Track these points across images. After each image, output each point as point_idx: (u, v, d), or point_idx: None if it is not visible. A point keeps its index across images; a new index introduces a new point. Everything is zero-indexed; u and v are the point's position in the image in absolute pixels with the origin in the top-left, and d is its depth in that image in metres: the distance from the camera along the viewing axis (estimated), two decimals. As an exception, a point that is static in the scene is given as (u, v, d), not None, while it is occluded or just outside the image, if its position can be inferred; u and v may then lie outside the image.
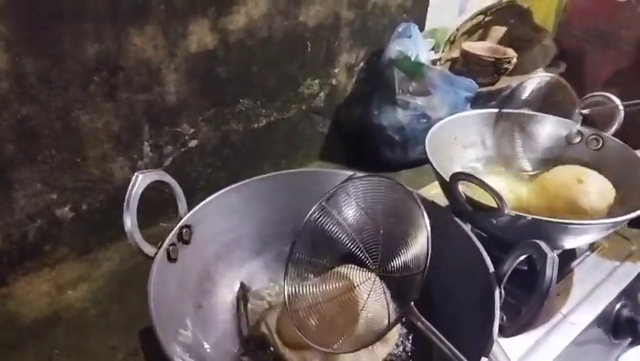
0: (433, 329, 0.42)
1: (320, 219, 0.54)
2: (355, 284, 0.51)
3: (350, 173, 0.60)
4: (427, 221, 0.46)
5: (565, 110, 0.79)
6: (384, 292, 0.51)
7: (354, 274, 0.53)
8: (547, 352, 0.61)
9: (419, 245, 0.48)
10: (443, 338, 0.42)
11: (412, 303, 0.44)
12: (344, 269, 0.54)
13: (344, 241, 0.55)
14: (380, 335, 0.46)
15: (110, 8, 0.68)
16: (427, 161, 0.67)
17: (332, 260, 0.55)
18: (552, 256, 0.42)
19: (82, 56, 0.68)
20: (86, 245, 0.83)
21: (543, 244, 0.43)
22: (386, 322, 0.48)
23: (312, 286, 0.51)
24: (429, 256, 0.44)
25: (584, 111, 0.75)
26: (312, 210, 0.52)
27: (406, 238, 0.50)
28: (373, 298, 0.51)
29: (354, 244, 0.55)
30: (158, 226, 0.86)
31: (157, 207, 0.77)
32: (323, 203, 0.53)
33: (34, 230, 0.76)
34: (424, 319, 0.44)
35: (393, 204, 0.54)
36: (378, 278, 0.52)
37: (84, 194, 0.78)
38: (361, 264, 0.54)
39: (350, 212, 0.56)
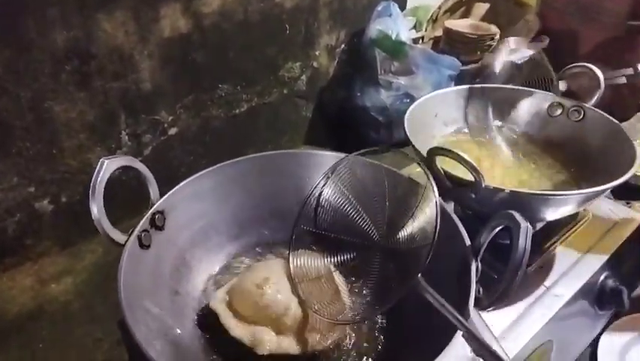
0: (443, 301, 0.42)
1: (324, 190, 0.54)
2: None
3: (332, 153, 0.60)
4: (437, 193, 0.45)
5: (546, 83, 0.79)
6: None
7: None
8: (530, 325, 0.61)
9: (426, 217, 0.48)
10: (453, 311, 0.41)
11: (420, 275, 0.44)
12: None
13: (349, 213, 0.55)
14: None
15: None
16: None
17: (336, 232, 0.55)
18: (525, 226, 0.41)
19: (50, 44, 0.67)
20: (68, 238, 0.82)
21: (517, 214, 0.42)
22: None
23: (316, 260, 0.51)
24: (437, 227, 0.44)
25: (563, 83, 0.74)
26: (318, 180, 0.52)
27: (412, 211, 0.50)
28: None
29: (359, 216, 0.55)
30: (140, 216, 0.85)
31: (140, 198, 0.76)
32: (328, 174, 0.54)
33: (14, 224, 0.75)
34: (432, 290, 0.43)
35: (398, 178, 0.54)
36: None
37: (63, 186, 0.77)
38: (366, 237, 0.54)
39: (354, 185, 0.56)
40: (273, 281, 0.48)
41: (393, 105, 1.00)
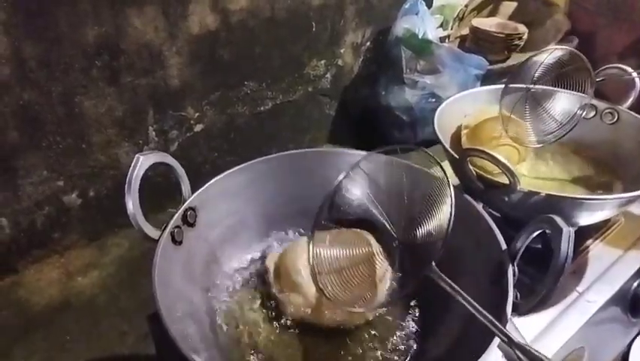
0: (455, 286, 0.41)
1: (346, 186, 0.54)
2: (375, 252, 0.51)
3: (362, 153, 0.59)
4: (452, 188, 0.45)
5: (579, 84, 0.77)
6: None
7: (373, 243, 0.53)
8: (563, 331, 0.59)
9: (442, 214, 0.48)
10: (465, 295, 0.40)
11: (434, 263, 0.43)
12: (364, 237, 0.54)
13: (368, 208, 0.55)
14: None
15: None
16: (436, 141, 0.65)
17: (356, 226, 0.55)
18: (567, 230, 0.40)
19: (81, 39, 0.67)
20: (95, 232, 0.82)
21: (558, 219, 0.41)
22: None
23: (336, 250, 0.51)
24: (451, 219, 0.43)
25: (598, 79, 0.72)
26: (340, 177, 0.52)
27: (429, 207, 0.50)
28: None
29: (377, 211, 0.55)
30: (166, 212, 0.85)
31: (164, 193, 0.76)
32: (349, 171, 0.54)
33: (42, 217, 0.76)
34: (444, 276, 0.42)
35: (416, 176, 0.54)
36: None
37: (91, 180, 0.78)
38: (384, 232, 0.53)
39: (375, 181, 0.56)
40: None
41: (419, 104, 0.99)
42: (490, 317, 0.40)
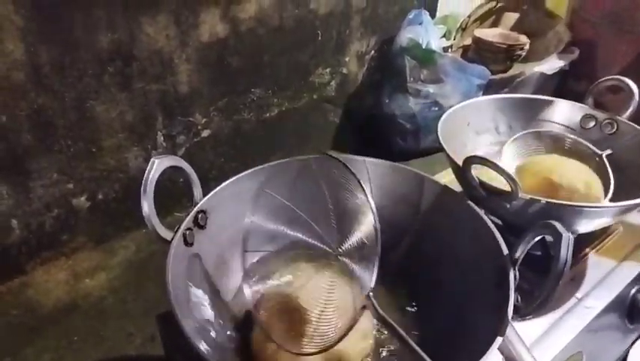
0: (392, 323, 0.43)
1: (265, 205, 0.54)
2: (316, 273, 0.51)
3: (372, 160, 0.61)
4: (369, 193, 0.46)
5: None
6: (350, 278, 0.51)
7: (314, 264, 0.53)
8: (561, 336, 0.60)
9: (368, 222, 0.49)
10: (404, 334, 0.42)
11: (371, 294, 0.44)
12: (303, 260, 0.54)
13: (300, 223, 0.55)
14: (344, 332, 0.44)
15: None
16: (439, 149, 0.67)
17: (291, 247, 0.55)
18: (567, 236, 0.41)
19: (95, 45, 0.69)
20: (103, 234, 0.84)
21: (558, 225, 0.43)
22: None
23: (275, 282, 0.51)
24: (378, 233, 0.44)
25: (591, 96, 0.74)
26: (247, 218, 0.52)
27: (357, 215, 0.51)
28: (338, 288, 0.50)
29: (309, 227, 0.55)
30: (172, 215, 0.86)
31: (171, 197, 0.78)
32: (265, 189, 0.54)
33: (52, 219, 0.77)
34: (381, 311, 0.44)
35: (336, 182, 0.54)
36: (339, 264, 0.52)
37: (100, 183, 0.79)
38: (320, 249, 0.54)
39: (301, 192, 0.56)
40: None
41: (422, 113, 1.01)
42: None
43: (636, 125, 0.72)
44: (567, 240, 0.42)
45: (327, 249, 0.54)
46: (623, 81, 0.74)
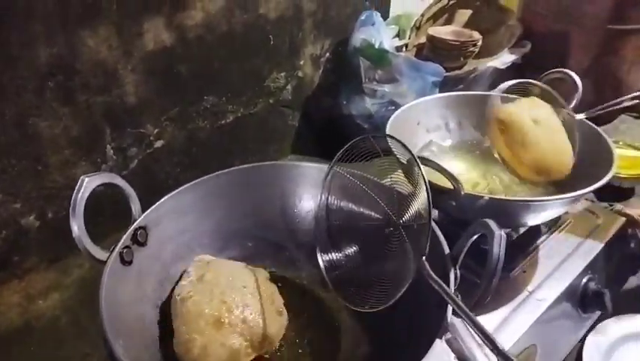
0: (442, 284, 0.43)
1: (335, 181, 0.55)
2: None
3: (315, 165, 0.61)
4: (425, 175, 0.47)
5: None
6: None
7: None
8: (514, 329, 0.61)
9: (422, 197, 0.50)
10: (452, 295, 0.42)
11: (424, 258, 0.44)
12: None
13: (356, 222, 0.57)
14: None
15: (59, 9, 0.67)
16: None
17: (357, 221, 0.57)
18: (499, 234, 0.42)
19: (34, 60, 0.67)
20: (55, 253, 0.81)
21: (491, 223, 0.43)
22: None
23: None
24: (430, 205, 0.45)
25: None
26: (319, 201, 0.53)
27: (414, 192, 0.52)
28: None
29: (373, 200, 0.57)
30: (120, 232, 0.85)
31: (127, 212, 0.76)
32: (323, 193, 0.55)
33: (0, 241, 0.75)
34: (433, 274, 0.44)
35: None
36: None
37: (49, 201, 0.77)
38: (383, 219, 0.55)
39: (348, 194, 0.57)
40: None
41: (379, 113, 1.01)
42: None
43: (579, 116, 0.74)
44: (499, 238, 0.42)
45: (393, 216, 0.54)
46: (566, 74, 0.76)
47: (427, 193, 0.46)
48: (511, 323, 0.62)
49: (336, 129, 1.07)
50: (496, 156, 0.69)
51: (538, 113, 0.67)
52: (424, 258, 0.44)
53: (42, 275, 0.80)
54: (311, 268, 0.58)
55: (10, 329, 0.73)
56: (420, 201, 0.50)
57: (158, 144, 0.86)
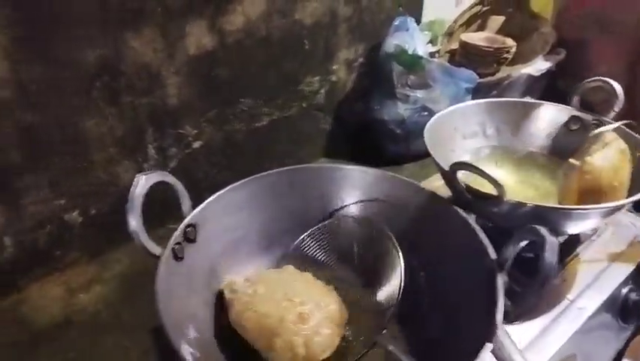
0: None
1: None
2: None
3: (357, 167, 0.62)
4: (402, 258, 0.47)
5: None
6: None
7: None
8: (554, 339, 0.61)
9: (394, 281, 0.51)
10: None
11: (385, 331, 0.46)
12: None
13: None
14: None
15: (105, 12, 0.69)
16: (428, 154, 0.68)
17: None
18: (552, 240, 0.42)
19: (82, 61, 0.69)
20: (96, 248, 0.84)
21: (542, 229, 0.43)
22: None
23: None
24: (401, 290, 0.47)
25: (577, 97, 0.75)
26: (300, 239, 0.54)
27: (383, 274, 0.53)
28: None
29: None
30: (165, 227, 0.87)
31: (163, 209, 0.78)
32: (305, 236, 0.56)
33: (45, 236, 0.77)
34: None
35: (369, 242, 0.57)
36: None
37: (92, 198, 0.79)
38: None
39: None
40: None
41: (411, 118, 1.02)
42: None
43: (621, 125, 0.73)
44: (552, 244, 0.42)
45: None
46: (607, 82, 0.75)
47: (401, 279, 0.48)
48: (551, 331, 0.61)
49: (368, 134, 1.08)
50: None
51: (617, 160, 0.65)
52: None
53: (83, 269, 0.83)
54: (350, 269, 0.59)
55: (53, 322, 0.75)
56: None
57: (197, 144, 0.88)
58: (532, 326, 0.61)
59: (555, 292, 0.65)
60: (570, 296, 0.65)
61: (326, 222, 0.57)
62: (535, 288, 0.42)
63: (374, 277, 0.54)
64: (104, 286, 0.81)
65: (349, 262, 0.58)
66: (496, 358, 0.51)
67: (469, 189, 0.58)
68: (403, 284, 0.47)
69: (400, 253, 0.50)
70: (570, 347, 0.62)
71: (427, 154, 0.69)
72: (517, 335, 0.59)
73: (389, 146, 1.06)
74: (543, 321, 0.62)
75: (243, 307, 0.50)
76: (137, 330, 0.73)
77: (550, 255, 0.41)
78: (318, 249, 0.58)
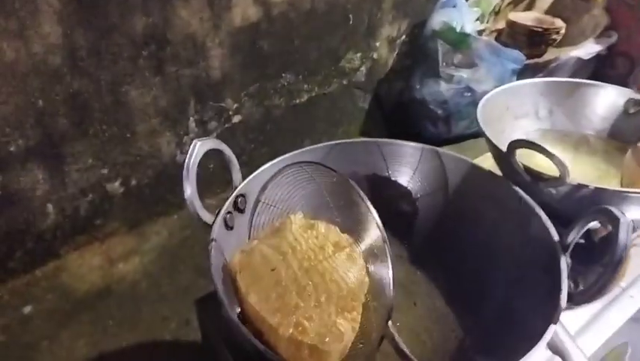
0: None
1: None
2: None
3: (411, 144, 0.60)
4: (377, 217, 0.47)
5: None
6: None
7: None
8: (606, 326, 0.59)
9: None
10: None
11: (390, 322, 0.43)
12: None
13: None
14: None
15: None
16: (471, 136, 0.65)
17: None
18: (625, 220, 0.40)
19: (130, 29, 0.69)
20: (136, 219, 0.84)
21: (614, 209, 0.41)
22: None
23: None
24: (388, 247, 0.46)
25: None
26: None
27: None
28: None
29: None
30: (203, 201, 0.87)
31: (200, 183, 0.78)
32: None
33: (86, 204, 0.78)
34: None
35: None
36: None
37: (133, 169, 0.80)
38: None
39: None
40: None
41: (454, 99, 0.99)
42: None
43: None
44: (626, 224, 0.40)
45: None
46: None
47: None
48: (602, 319, 0.59)
49: (407, 114, 1.06)
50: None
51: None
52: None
53: (122, 239, 0.83)
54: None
55: (93, 290, 0.76)
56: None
57: (236, 119, 0.87)
58: (583, 312, 0.59)
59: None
60: (623, 284, 0.63)
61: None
62: (608, 270, 0.40)
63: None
64: (144, 256, 0.81)
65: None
66: (547, 344, 0.49)
67: (527, 169, 0.56)
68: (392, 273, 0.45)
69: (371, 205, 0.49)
70: (622, 336, 0.59)
71: (467, 136, 0.66)
72: (566, 321, 0.57)
73: (429, 127, 1.04)
74: (594, 308, 0.60)
75: None
76: (176, 301, 0.74)
77: (625, 236, 0.39)
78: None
